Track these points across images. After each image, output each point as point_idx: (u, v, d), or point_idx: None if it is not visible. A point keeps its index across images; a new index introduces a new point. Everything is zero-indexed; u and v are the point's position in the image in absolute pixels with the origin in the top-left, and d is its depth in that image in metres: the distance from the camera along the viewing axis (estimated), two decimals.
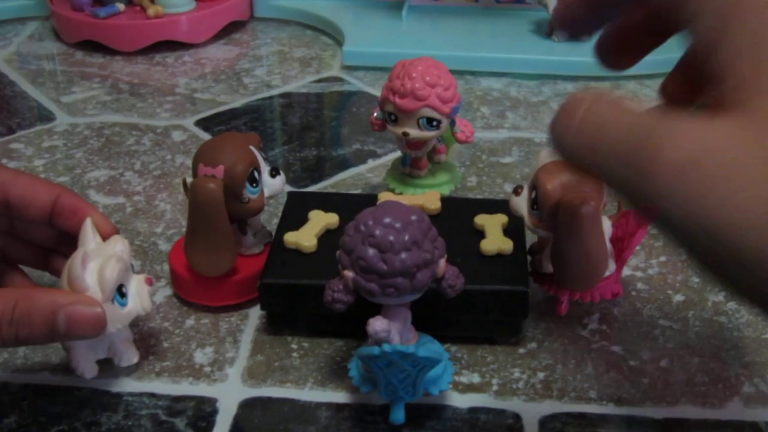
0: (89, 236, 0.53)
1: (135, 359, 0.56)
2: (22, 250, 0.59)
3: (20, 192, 0.55)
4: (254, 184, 0.58)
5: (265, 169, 0.59)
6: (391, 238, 0.47)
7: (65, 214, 0.56)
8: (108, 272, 0.51)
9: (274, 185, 0.60)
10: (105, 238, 0.55)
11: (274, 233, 0.61)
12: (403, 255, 0.47)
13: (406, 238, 0.47)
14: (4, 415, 0.53)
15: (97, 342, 0.54)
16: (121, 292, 0.52)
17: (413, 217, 0.48)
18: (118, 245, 0.53)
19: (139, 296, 0.53)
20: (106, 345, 0.55)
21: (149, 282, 0.54)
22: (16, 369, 0.57)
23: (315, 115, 0.89)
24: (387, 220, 0.47)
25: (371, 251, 0.47)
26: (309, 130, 0.86)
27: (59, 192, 0.56)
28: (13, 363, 0.57)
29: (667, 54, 0.96)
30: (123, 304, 0.52)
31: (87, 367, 0.55)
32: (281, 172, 0.60)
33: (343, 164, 0.80)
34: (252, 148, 0.58)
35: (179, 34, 1.04)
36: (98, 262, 0.51)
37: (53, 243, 0.58)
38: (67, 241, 0.57)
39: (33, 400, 0.54)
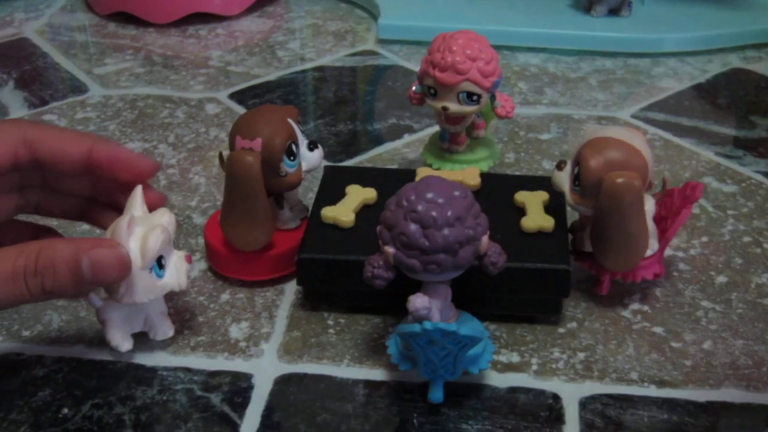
0: (138, 204, 0.52)
1: (170, 333, 0.55)
2: (58, 202, 0.58)
3: (50, 149, 0.53)
4: (292, 158, 0.57)
5: (303, 142, 0.58)
6: (434, 213, 0.46)
7: (101, 164, 0.54)
8: (152, 240, 0.50)
9: (312, 159, 0.59)
10: (147, 177, 0.55)
11: (310, 208, 0.60)
12: (446, 231, 0.46)
13: (449, 213, 0.46)
14: (39, 387, 0.53)
15: (132, 315, 0.54)
16: (160, 263, 0.51)
17: (456, 193, 0.47)
18: (165, 217, 0.52)
19: (177, 271, 0.52)
20: (141, 318, 0.54)
21: (188, 260, 0.53)
22: (51, 342, 0.56)
23: (350, 89, 0.88)
24: (430, 195, 0.47)
25: (413, 227, 0.46)
26: (343, 104, 0.85)
27: (91, 143, 0.54)
28: (47, 336, 0.57)
29: (707, 31, 0.95)
30: (159, 276, 0.52)
31: (122, 341, 0.54)
32: (319, 145, 0.59)
33: (379, 139, 0.79)
34: (290, 121, 0.58)
35: (212, 6, 1.03)
36: (143, 230, 0.51)
37: (90, 192, 0.57)
38: (105, 190, 0.56)
39: (67, 374, 0.54)
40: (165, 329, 0.55)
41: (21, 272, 0.47)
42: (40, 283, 0.48)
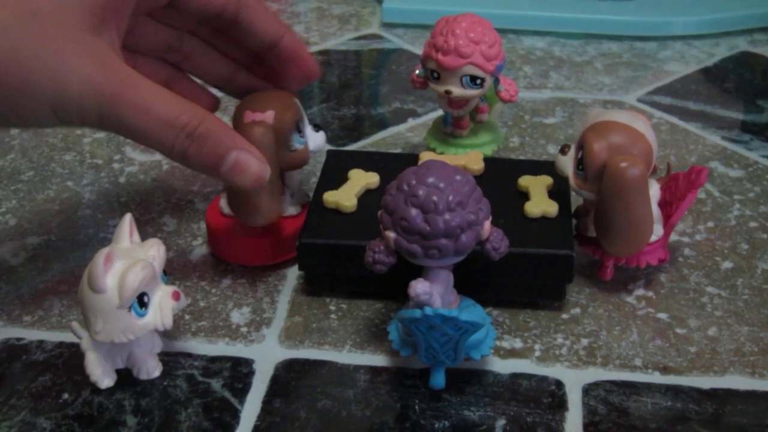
0: (125, 233, 0.50)
1: (156, 373, 0.52)
2: (209, 61, 0.60)
3: (252, 20, 0.56)
4: (301, 135, 0.57)
5: (307, 124, 0.58)
6: (435, 198, 0.46)
7: (282, 53, 0.58)
8: (130, 278, 0.47)
9: (317, 139, 0.59)
10: (310, 80, 0.60)
11: (312, 193, 0.60)
12: (447, 216, 0.46)
13: (450, 198, 0.46)
14: (39, 373, 0.53)
15: (115, 351, 0.51)
16: (141, 301, 0.48)
17: (457, 177, 0.47)
18: (152, 250, 0.49)
19: (161, 310, 0.49)
20: (125, 355, 0.51)
21: (176, 297, 0.49)
22: (52, 327, 0.56)
23: (354, 73, 0.88)
24: (430, 179, 0.46)
25: (414, 211, 0.46)
26: (347, 88, 0.85)
27: (284, 32, 0.57)
28: (48, 321, 0.56)
29: (714, 14, 0.95)
30: (141, 315, 0.48)
31: (101, 377, 0.51)
32: (321, 128, 0.59)
33: (383, 123, 0.78)
34: (296, 100, 0.58)
35: None
36: (124, 264, 0.48)
37: (248, 62, 0.60)
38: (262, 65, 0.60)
39: (68, 359, 0.54)
40: (149, 369, 0.52)
41: (181, 126, 0.49)
42: (186, 147, 0.50)
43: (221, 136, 0.50)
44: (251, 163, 0.51)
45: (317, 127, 0.59)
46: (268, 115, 0.55)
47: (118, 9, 0.51)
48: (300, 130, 0.57)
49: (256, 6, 0.56)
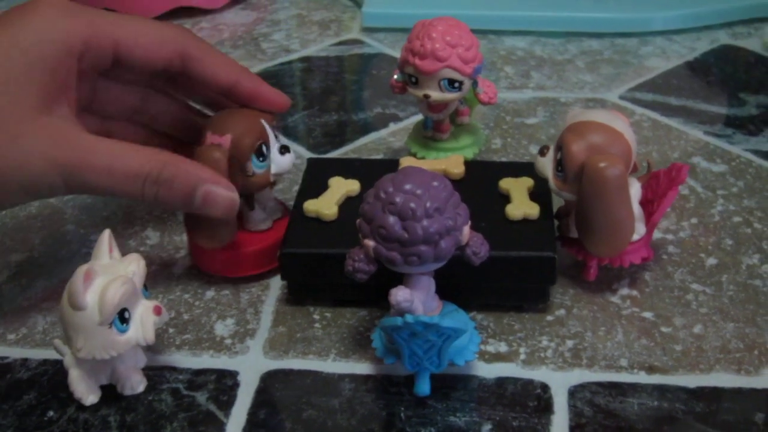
0: (104, 249, 0.50)
1: (140, 388, 0.52)
2: (170, 116, 0.63)
3: (202, 71, 0.58)
4: (261, 159, 0.56)
5: (275, 145, 0.57)
6: (412, 205, 0.45)
7: (242, 96, 0.58)
8: (110, 294, 0.47)
9: (281, 162, 0.58)
10: (280, 111, 0.60)
11: (293, 202, 0.60)
12: (425, 222, 0.46)
13: (428, 204, 0.46)
14: (24, 391, 0.52)
15: (98, 367, 0.51)
16: (122, 317, 0.48)
17: (435, 183, 0.47)
18: (132, 265, 0.49)
19: (143, 325, 0.49)
20: (108, 371, 0.51)
21: (157, 311, 0.49)
22: (36, 344, 0.56)
23: (335, 79, 0.88)
24: (407, 186, 0.46)
25: (392, 219, 0.46)
26: (329, 94, 0.85)
27: (239, 75, 0.58)
28: (32, 338, 0.56)
29: (695, 8, 0.94)
30: (122, 331, 0.48)
31: (86, 393, 0.51)
32: (291, 150, 0.58)
33: (365, 128, 0.78)
34: (263, 122, 0.57)
35: (196, 0, 1.02)
36: (104, 280, 0.48)
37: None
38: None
39: (52, 376, 0.53)
40: (134, 383, 0.52)
41: (144, 176, 0.52)
42: (155, 191, 0.53)
43: (186, 175, 0.53)
44: (219, 194, 0.54)
45: (285, 149, 0.58)
46: (226, 139, 0.55)
47: (63, 84, 0.53)
48: (262, 154, 0.56)
49: (202, 56, 0.58)
